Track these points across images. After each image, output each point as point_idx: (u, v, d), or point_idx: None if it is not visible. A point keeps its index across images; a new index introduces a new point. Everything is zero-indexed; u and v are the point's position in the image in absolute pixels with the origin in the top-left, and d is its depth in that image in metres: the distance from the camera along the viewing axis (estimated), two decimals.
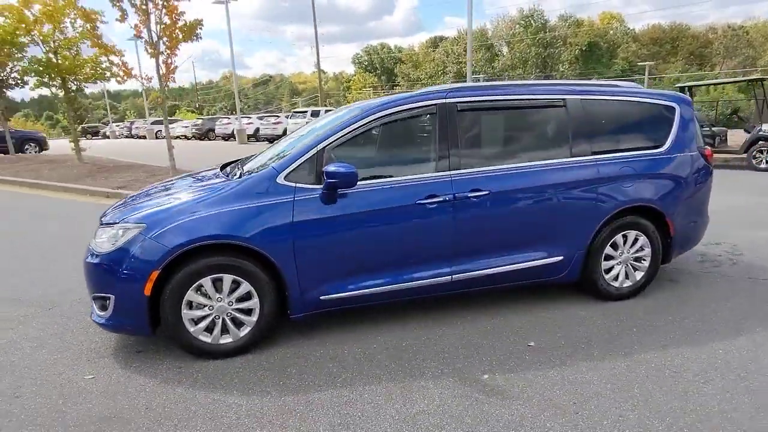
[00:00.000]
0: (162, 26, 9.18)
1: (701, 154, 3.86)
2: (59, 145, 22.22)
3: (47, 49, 11.93)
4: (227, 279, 2.92)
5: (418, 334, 3.28)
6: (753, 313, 3.47)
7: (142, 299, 2.80)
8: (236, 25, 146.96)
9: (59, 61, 11.95)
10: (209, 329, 2.97)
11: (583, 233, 3.52)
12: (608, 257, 3.66)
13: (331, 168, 2.90)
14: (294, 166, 3.03)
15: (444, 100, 3.30)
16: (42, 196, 9.69)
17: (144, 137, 33.64)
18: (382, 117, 3.22)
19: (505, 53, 59.50)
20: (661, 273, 4.27)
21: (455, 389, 2.63)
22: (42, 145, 18.69)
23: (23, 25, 11.56)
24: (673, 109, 3.83)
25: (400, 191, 3.14)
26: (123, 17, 9.01)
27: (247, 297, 2.98)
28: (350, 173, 2.89)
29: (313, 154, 3.06)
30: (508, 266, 3.40)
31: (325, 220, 3.02)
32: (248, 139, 25.22)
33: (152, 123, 33.93)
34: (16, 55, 12.31)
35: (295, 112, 24.56)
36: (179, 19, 9.29)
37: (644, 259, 3.75)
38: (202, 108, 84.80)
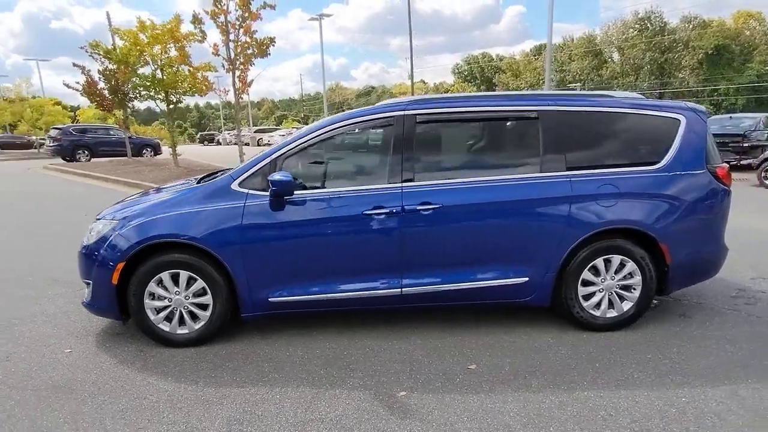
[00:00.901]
0: (237, 44, 10.10)
1: (712, 173, 3.38)
2: (180, 150, 25.03)
3: (155, 67, 13.69)
4: (183, 275, 3.20)
5: (366, 344, 3.29)
6: (754, 363, 2.96)
7: (111, 287, 3.18)
8: (343, 38, 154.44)
9: (164, 78, 13.63)
10: (169, 319, 3.27)
11: (552, 255, 3.27)
12: (587, 282, 3.35)
13: (273, 176, 3.06)
14: (248, 173, 3.23)
15: (403, 112, 3.29)
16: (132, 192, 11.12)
17: (247, 144, 36.76)
18: (339, 128, 3.31)
19: (615, 59, 55.51)
20: (670, 305, 3.82)
21: (363, 402, 2.62)
22: (156, 149, 21.40)
23: (137, 47, 13.36)
24: (677, 121, 3.40)
25: (348, 201, 3.19)
26: (203, 38, 10.06)
27: (202, 293, 3.24)
28: (286, 182, 3.02)
29: (267, 163, 3.24)
30: (463, 284, 3.28)
31: (273, 226, 3.18)
32: None
33: (255, 131, 36.99)
34: (134, 73, 14.22)
35: None
36: (252, 38, 10.13)
37: (634, 288, 3.37)
38: (308, 118, 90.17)
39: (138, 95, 15.63)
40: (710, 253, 3.49)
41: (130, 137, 19.88)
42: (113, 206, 3.69)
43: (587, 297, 3.37)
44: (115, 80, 14.83)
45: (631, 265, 3.32)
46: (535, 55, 65.60)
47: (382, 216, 3.16)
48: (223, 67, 10.32)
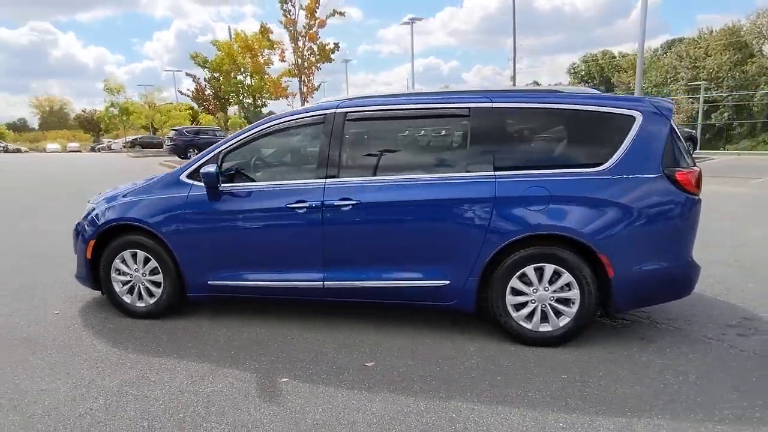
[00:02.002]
0: (298, 51, 10.77)
1: (669, 178, 2.94)
2: None
3: (246, 74, 15.09)
4: (140, 255, 3.62)
5: (290, 333, 3.42)
6: (684, 398, 2.53)
7: (87, 261, 3.72)
8: (455, 41, 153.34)
9: (252, 83, 14.96)
10: (131, 293, 3.72)
11: (473, 259, 3.10)
12: (518, 292, 3.12)
13: (201, 169, 3.34)
14: (195, 166, 3.55)
15: (335, 110, 3.37)
16: None
17: None
18: (278, 125, 3.50)
19: (766, 53, 47.81)
20: (640, 326, 3.41)
21: (243, 382, 2.76)
22: None
23: (230, 56, 14.83)
24: (631, 119, 3.01)
25: (276, 194, 3.36)
26: (272, 46, 10.89)
27: (156, 272, 3.64)
28: (210, 174, 3.28)
29: (211, 157, 3.53)
30: (383, 282, 3.26)
31: (210, 214, 3.46)
32: None
33: None
34: (228, 80, 15.81)
35: None
36: (315, 44, 10.73)
37: (572, 303, 3.06)
38: None
39: (231, 99, 17.30)
40: (668, 269, 3.03)
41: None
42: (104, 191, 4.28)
43: (518, 307, 3.14)
44: (218, 86, 16.62)
45: (567, 277, 3.02)
46: (664, 51, 59.25)
47: (304, 210, 3.27)
48: (290, 72, 11.07)
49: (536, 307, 3.11)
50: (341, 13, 11.85)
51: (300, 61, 11.00)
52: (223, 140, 3.64)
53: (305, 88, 11.44)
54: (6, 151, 42.36)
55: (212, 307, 3.89)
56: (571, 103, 3.10)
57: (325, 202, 3.23)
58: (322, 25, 11.03)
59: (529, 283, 3.09)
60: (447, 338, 3.29)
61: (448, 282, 3.17)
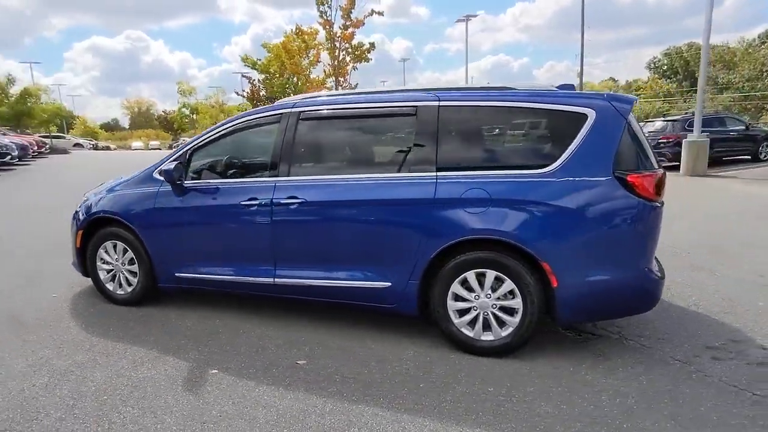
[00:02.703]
0: (333, 52, 10.97)
1: (620, 181, 2.68)
2: None
3: (291, 75, 15.57)
4: (120, 246, 3.87)
5: (243, 327, 3.50)
6: (604, 420, 2.31)
7: (76, 249, 4.04)
8: (525, 37, 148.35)
9: (298, 83, 15.41)
10: (113, 281, 3.99)
11: (413, 261, 3.01)
12: (460, 298, 2.99)
13: (162, 167, 3.50)
14: (165, 163, 3.74)
15: (290, 110, 3.41)
16: None
17: None
18: (239, 124, 3.60)
19: None
20: (606, 342, 3.17)
21: (175, 370, 2.88)
22: None
23: (279, 58, 15.37)
24: (583, 117, 2.78)
25: (232, 191, 3.46)
26: (307, 48, 11.15)
27: (134, 262, 3.88)
28: (166, 171, 3.44)
29: (180, 154, 3.70)
30: (328, 281, 3.25)
31: (174, 210, 3.63)
32: None
33: None
34: (277, 80, 16.38)
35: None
36: (349, 45, 10.87)
37: (516, 312, 2.89)
38: None
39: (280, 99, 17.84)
40: (620, 281, 2.77)
41: None
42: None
43: (461, 313, 3.01)
44: (271, 87, 17.30)
45: (509, 284, 2.86)
46: (762, 41, 53.67)
47: (255, 207, 3.34)
48: (325, 72, 11.30)
49: (478, 314, 2.97)
50: (379, 13, 11.92)
51: (335, 61, 11.20)
52: (192, 138, 3.80)
53: (341, 88, 11.61)
54: (96, 148, 46.66)
55: (188, 298, 4.07)
56: (520, 100, 2.92)
57: (274, 200, 3.28)
58: (358, 25, 11.14)
59: (471, 289, 2.96)
60: (392, 342, 3.22)
61: (389, 284, 3.10)
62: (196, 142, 3.68)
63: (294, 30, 11.80)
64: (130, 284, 3.91)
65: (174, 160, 3.65)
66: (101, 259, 3.96)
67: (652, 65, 69.30)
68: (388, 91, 3.36)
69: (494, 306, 2.92)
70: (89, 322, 3.62)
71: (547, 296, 2.82)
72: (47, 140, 32.15)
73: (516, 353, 2.97)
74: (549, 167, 2.78)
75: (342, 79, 11.55)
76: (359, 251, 3.17)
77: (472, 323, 2.99)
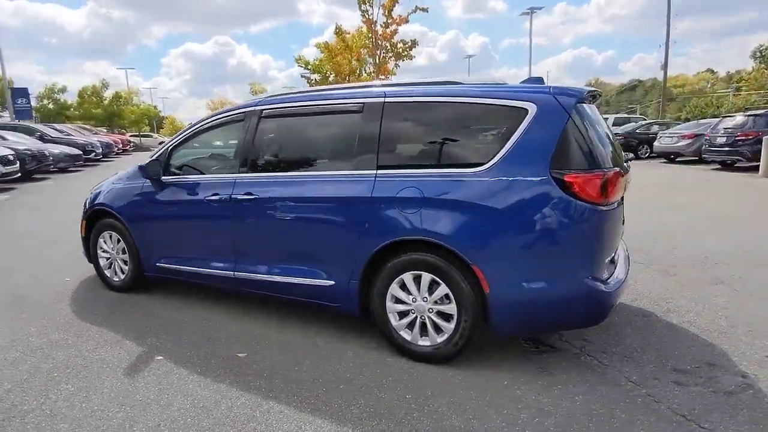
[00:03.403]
0: (371, 51, 11.00)
1: (557, 181, 2.45)
2: None
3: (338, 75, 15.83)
4: (114, 235, 4.18)
5: (211, 318, 3.63)
6: None
7: (82, 238, 4.41)
8: (611, 28, 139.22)
9: (347, 80, 15.63)
10: (110, 268, 4.31)
11: (352, 261, 2.96)
12: (399, 300, 2.90)
13: (140, 163, 3.71)
14: (156, 158, 3.96)
15: (254, 108, 3.49)
16: None
17: None
18: (212, 122, 3.73)
19: None
20: (552, 356, 2.93)
21: (126, 354, 3.06)
22: None
23: (330, 58, 15.69)
24: (523, 112, 2.58)
25: (200, 187, 3.59)
26: (346, 45, 11.29)
27: (125, 251, 4.16)
28: (141, 167, 3.64)
29: (162, 151, 3.91)
30: (279, 277, 3.28)
31: (154, 203, 3.84)
32: None
33: None
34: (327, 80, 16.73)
35: None
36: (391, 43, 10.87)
37: (452, 318, 2.75)
38: None
39: None
40: (557, 290, 2.53)
41: None
42: None
43: (401, 316, 2.92)
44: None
45: (444, 288, 2.73)
46: None
47: (217, 203, 3.45)
48: (364, 71, 11.35)
49: (415, 318, 2.86)
50: (424, 9, 11.76)
51: (375, 59, 11.25)
52: (173, 135, 4.00)
53: None
54: None
55: (179, 288, 4.28)
56: (461, 95, 2.77)
57: (233, 196, 3.37)
58: (401, 23, 11.07)
59: (409, 292, 2.86)
60: (340, 341, 3.19)
61: (333, 283, 3.08)
62: (176, 140, 3.87)
63: (335, 30, 11.99)
64: (123, 272, 4.20)
65: (152, 157, 3.87)
66: (101, 247, 4.29)
67: (759, 54, 62.42)
68: (343, 88, 3.32)
69: (431, 310, 2.80)
70: (81, 305, 3.94)
71: (482, 303, 2.66)
72: (134, 139, 35.18)
73: (457, 361, 2.83)
74: (483, 166, 2.61)
75: (384, 77, 11.54)
76: (306, 248, 3.17)
77: (411, 327, 2.89)
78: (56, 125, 21.51)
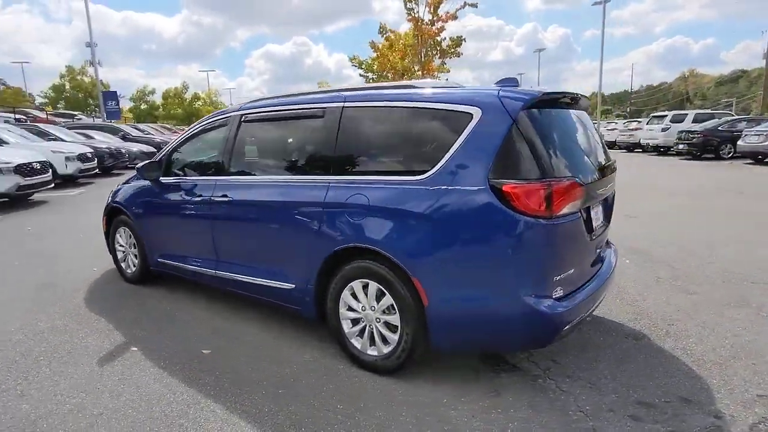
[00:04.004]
0: (414, 48, 10.91)
1: (495, 191, 2.27)
2: None
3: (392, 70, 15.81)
4: (126, 231, 4.50)
5: (197, 314, 3.80)
6: None
7: (104, 233, 4.80)
8: (712, 14, 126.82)
9: (401, 79, 15.60)
10: (124, 261, 4.64)
11: (307, 266, 2.96)
12: (351, 308, 2.86)
13: (138, 164, 3.95)
14: (157, 159, 4.21)
15: (236, 113, 3.59)
16: None
17: None
18: (203, 126, 3.90)
19: None
20: (509, 378, 2.78)
21: (109, 342, 3.28)
22: None
23: (384, 56, 15.75)
24: (468, 117, 2.43)
25: (189, 188, 3.77)
26: (390, 44, 11.27)
27: (135, 246, 4.47)
28: (137, 168, 3.88)
29: (163, 153, 4.14)
30: (252, 278, 3.35)
31: (155, 202, 4.09)
32: None
33: None
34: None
35: (653, 116, 20.47)
36: (432, 41, 10.72)
37: (397, 328, 2.67)
38: (639, 112, 79.96)
39: None
40: (493, 308, 2.36)
41: None
42: None
43: (354, 323, 2.88)
44: None
45: (389, 298, 2.66)
46: None
47: (200, 204, 3.61)
48: (413, 69, 11.26)
49: (365, 326, 2.81)
50: (473, 5, 11.42)
51: (419, 57, 11.12)
52: (173, 140, 4.23)
53: None
54: None
55: (185, 282, 4.53)
56: (409, 100, 2.66)
57: (212, 198, 3.51)
58: (447, 20, 10.81)
59: (359, 300, 2.81)
60: (304, 344, 3.21)
61: (293, 286, 3.10)
62: (175, 144, 4.09)
63: (379, 29, 11.95)
64: (134, 265, 4.52)
65: (152, 159, 4.12)
66: (117, 242, 4.64)
67: None
68: (311, 93, 3.33)
69: (378, 320, 2.74)
70: (94, 295, 4.29)
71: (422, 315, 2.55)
72: None
73: (406, 374, 2.75)
74: (426, 174, 2.50)
75: (431, 76, 11.39)
76: (270, 251, 3.23)
77: (362, 335, 2.84)
78: (140, 125, 23.52)
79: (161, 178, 4.03)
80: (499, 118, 2.35)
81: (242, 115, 3.53)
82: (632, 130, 21.28)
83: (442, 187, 2.43)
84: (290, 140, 3.35)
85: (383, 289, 2.66)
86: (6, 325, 3.64)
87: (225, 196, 3.42)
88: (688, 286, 4.11)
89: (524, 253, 2.29)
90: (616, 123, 24.94)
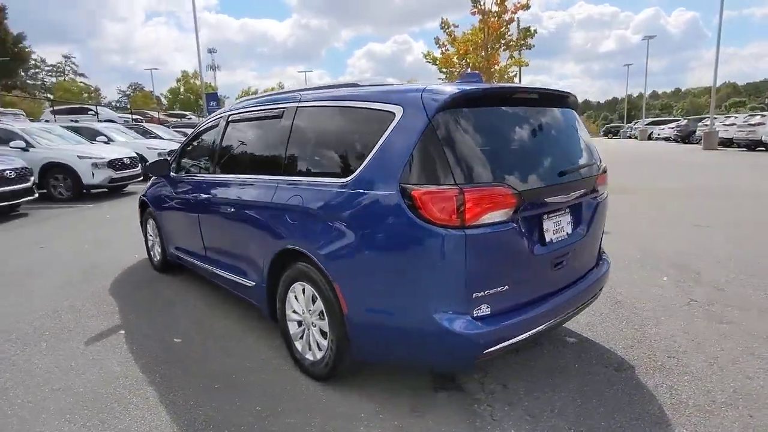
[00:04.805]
0: (475, 41, 10.47)
1: (406, 196, 2.08)
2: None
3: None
4: (152, 223, 4.89)
5: (192, 303, 4.02)
6: None
7: (140, 223, 5.28)
8: None
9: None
10: (149, 250, 5.06)
11: (260, 265, 2.97)
12: (295, 310, 2.83)
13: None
14: (173, 157, 4.51)
15: (226, 113, 3.73)
16: None
17: (634, 137, 32.90)
18: (203, 127, 4.10)
19: None
20: (447, 399, 2.60)
21: (104, 324, 3.59)
22: None
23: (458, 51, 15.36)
24: (390, 116, 2.26)
25: (187, 185, 3.99)
26: (453, 40, 10.91)
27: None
28: (147, 165, 4.16)
29: (177, 152, 4.42)
30: (227, 273, 3.46)
31: (165, 197, 4.39)
32: (719, 144, 20.28)
33: (647, 123, 32.49)
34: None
35: None
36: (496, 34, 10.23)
37: (326, 333, 2.59)
38: None
39: None
40: (408, 322, 2.17)
41: None
42: None
43: (299, 325, 2.85)
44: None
45: (320, 303, 2.58)
46: None
47: (192, 200, 3.81)
48: (476, 64, 10.82)
49: (303, 330, 2.77)
50: None
51: (483, 52, 10.63)
52: (185, 139, 4.50)
53: (494, 79, 11.01)
54: None
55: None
56: (345, 99, 2.55)
57: (200, 195, 3.68)
58: (516, 11, 10.15)
59: (300, 303, 2.77)
60: (269, 342, 3.24)
61: (253, 284, 3.15)
62: (185, 143, 4.36)
63: (440, 24, 11.53)
64: (158, 255, 4.90)
65: (175, 156, 4.42)
66: (147, 232, 5.07)
67: None
68: (279, 93, 3.33)
69: (314, 324, 2.68)
70: (122, 279, 4.73)
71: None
72: None
73: (342, 381, 2.66)
74: (350, 176, 2.38)
75: (493, 70, 10.85)
76: (237, 247, 3.31)
77: (303, 338, 2.80)
78: None
79: (171, 174, 4.31)
80: (417, 118, 2.16)
81: (229, 115, 3.65)
82: (754, 125, 18.35)
83: (360, 191, 2.30)
84: (257, 140, 3.39)
85: (315, 293, 2.60)
86: (38, 301, 4.14)
87: (208, 193, 3.57)
88: (724, 313, 3.46)
89: (434, 265, 2.08)
90: (736, 117, 21.72)
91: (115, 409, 2.52)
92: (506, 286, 2.21)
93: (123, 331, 3.51)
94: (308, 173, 2.71)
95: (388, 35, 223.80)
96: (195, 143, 4.25)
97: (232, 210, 3.27)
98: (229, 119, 3.64)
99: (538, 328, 2.35)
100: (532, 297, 2.37)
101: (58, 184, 9.98)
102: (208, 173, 3.72)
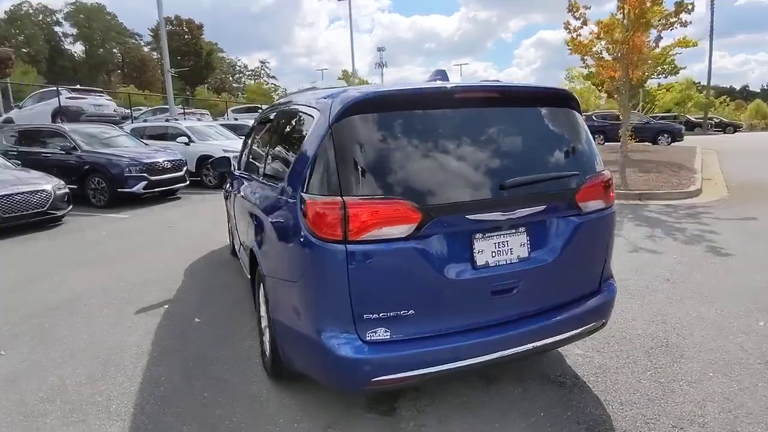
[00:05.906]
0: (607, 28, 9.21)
1: (303, 205, 1.98)
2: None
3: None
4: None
5: (221, 289, 4.39)
6: None
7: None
8: None
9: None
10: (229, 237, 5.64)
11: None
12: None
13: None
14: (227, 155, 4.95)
15: (258, 115, 3.98)
16: None
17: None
18: (253, 129, 4.41)
19: None
20: (388, 417, 2.49)
21: (146, 296, 4.14)
22: (675, 136, 19.61)
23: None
24: (311, 120, 2.17)
25: (235, 179, 4.35)
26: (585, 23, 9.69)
27: None
28: (210, 161, 4.62)
29: (239, 152, 4.84)
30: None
31: (230, 190, 4.85)
32: None
33: None
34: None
35: None
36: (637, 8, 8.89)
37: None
38: None
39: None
40: (300, 335, 2.07)
41: (647, 122, 19.70)
42: None
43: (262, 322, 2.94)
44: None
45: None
46: None
47: (233, 193, 4.16)
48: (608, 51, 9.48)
49: (265, 327, 2.84)
50: None
51: (617, 34, 9.18)
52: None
53: (632, 75, 9.59)
54: None
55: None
56: (292, 103, 2.54)
57: (233, 190, 4.01)
58: None
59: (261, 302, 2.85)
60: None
61: (249, 277, 3.33)
62: (243, 145, 4.75)
63: (567, 6, 9.98)
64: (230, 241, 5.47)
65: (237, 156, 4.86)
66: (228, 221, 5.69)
67: None
68: (294, 93, 3.41)
69: (267, 325, 2.73)
70: (202, 261, 5.37)
71: None
72: None
73: (300, 385, 2.59)
74: (283, 180, 2.36)
75: (632, 63, 9.27)
76: (243, 239, 3.52)
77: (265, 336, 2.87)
78: None
79: (235, 171, 4.75)
80: (322, 124, 2.05)
81: (260, 115, 3.89)
82: None
83: (281, 197, 2.30)
84: (264, 141, 3.54)
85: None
86: (128, 273, 4.94)
87: (238, 190, 3.85)
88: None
89: (318, 280, 1.95)
90: None
91: (97, 378, 2.87)
92: (411, 311, 1.96)
93: (166, 306, 4.01)
94: (270, 176, 2.77)
95: (561, 21, 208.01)
96: (249, 142, 4.62)
97: (244, 207, 3.48)
98: (260, 120, 3.88)
99: (461, 362, 2.03)
100: (456, 326, 2.06)
101: (209, 173, 11.73)
102: (239, 171, 4.03)
